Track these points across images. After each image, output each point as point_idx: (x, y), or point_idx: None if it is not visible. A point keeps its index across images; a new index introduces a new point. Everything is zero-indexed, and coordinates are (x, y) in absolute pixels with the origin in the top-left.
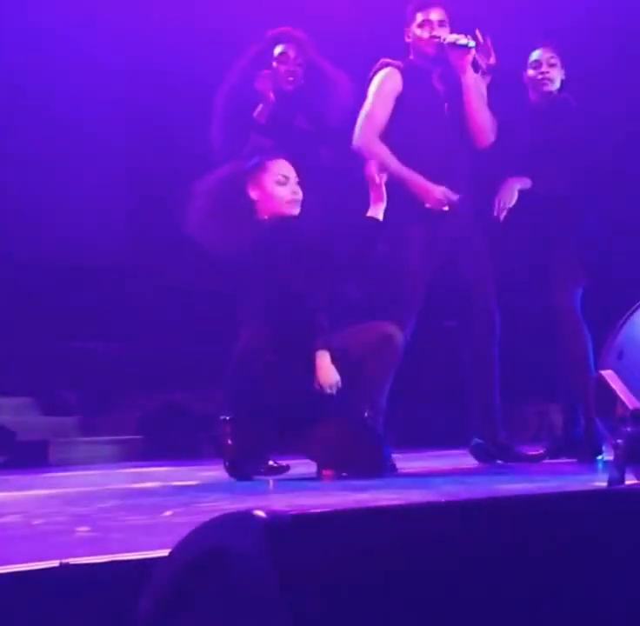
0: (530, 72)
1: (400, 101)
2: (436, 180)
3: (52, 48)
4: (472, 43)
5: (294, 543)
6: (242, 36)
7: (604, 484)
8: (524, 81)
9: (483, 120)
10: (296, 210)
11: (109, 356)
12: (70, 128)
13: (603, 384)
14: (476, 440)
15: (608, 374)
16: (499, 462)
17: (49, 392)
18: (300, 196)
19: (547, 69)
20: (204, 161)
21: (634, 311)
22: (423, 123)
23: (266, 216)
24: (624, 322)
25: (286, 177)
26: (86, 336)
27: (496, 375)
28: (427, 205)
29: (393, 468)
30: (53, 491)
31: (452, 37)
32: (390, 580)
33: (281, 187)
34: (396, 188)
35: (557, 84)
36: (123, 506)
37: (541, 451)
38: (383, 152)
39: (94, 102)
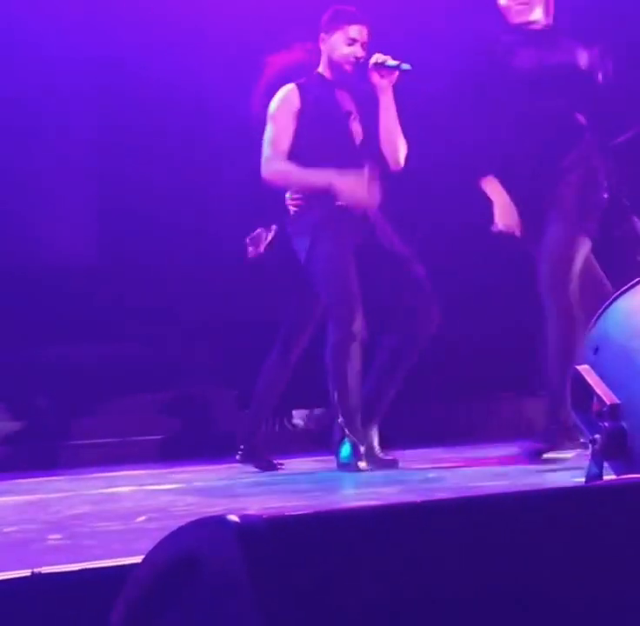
0: None
1: (299, 118)
2: None
3: (19, 43)
4: (406, 67)
5: (267, 548)
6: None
7: (582, 480)
8: None
9: (393, 143)
10: None
11: (81, 360)
12: (38, 124)
13: (580, 379)
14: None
15: (584, 369)
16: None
17: (20, 397)
18: None
19: None
20: (179, 161)
21: (608, 306)
22: (326, 138)
23: None
24: (599, 318)
25: None
26: (58, 340)
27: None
28: (339, 203)
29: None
30: (25, 497)
31: (381, 58)
32: (366, 583)
33: None
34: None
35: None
36: (95, 512)
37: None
38: (287, 167)
39: (64, 97)
